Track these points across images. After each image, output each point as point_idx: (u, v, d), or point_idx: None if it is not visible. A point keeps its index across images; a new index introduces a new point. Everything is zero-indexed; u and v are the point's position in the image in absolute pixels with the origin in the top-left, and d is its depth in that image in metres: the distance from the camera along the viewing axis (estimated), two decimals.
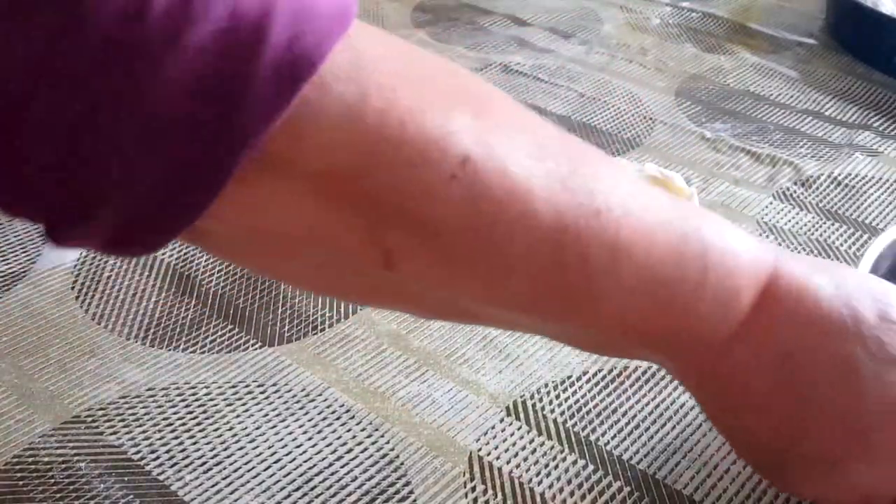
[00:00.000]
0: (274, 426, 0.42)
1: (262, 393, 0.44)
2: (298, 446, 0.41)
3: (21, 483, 0.39)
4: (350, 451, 0.41)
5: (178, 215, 0.23)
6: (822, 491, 0.31)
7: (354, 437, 0.42)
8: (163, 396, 0.44)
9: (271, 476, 0.40)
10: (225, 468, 0.40)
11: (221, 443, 0.41)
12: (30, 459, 0.40)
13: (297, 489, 0.39)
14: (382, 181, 0.24)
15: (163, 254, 0.54)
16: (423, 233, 0.25)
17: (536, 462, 0.41)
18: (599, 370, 0.46)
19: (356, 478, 0.40)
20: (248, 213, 0.25)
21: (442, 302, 0.29)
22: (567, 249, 0.26)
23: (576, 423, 0.43)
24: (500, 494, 0.39)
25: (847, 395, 0.29)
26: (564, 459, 0.41)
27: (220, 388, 0.44)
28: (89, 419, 0.42)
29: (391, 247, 0.25)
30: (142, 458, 0.40)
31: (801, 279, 0.30)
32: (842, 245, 0.56)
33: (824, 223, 0.58)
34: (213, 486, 0.39)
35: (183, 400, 0.43)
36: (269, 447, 0.41)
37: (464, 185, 0.25)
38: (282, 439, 0.42)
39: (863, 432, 0.29)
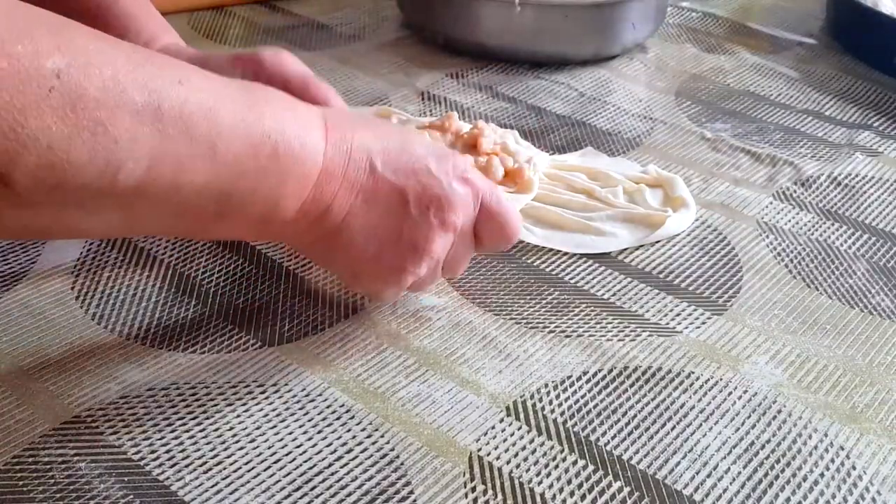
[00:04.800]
0: (274, 426, 0.42)
1: (262, 393, 0.44)
2: (298, 446, 0.41)
3: (21, 483, 0.39)
4: (350, 451, 0.41)
5: None
6: (385, 278, 0.44)
7: (354, 437, 0.42)
8: (163, 396, 0.44)
9: (271, 476, 0.40)
10: (225, 468, 0.40)
11: (221, 443, 0.41)
12: (30, 459, 0.40)
13: (297, 489, 0.39)
14: None
15: (163, 254, 0.54)
16: (35, 145, 0.29)
17: (536, 462, 0.41)
18: (599, 370, 0.46)
19: (356, 478, 0.40)
20: None
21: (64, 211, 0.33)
22: (164, 114, 0.33)
23: (576, 423, 0.43)
24: (500, 494, 0.39)
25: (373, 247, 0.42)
26: (564, 459, 0.41)
27: (220, 388, 0.44)
28: (89, 419, 0.42)
29: (5, 165, 0.29)
30: (142, 458, 0.40)
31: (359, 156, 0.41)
32: (842, 245, 0.56)
33: (824, 223, 0.58)
34: (213, 486, 0.39)
35: (183, 400, 0.43)
36: (269, 447, 0.41)
37: (62, 92, 0.30)
38: (282, 439, 0.42)
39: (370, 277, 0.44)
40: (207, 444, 0.41)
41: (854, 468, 0.41)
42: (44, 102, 0.29)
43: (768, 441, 0.42)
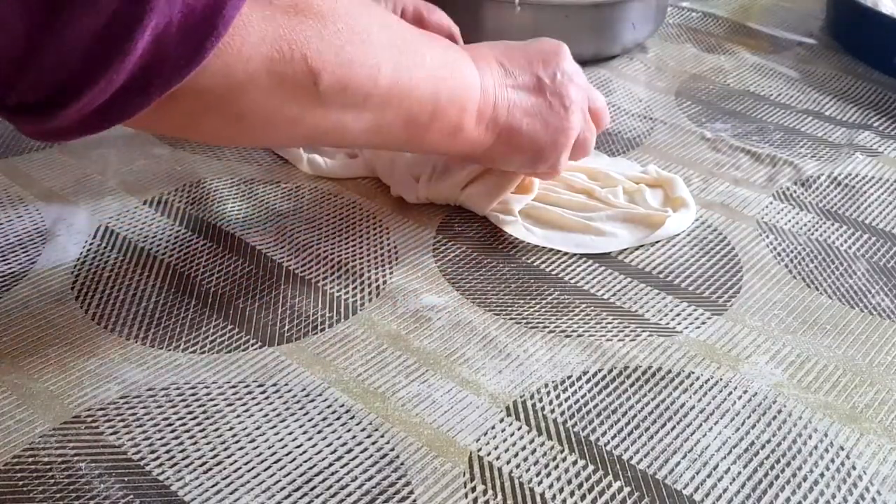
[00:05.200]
0: (274, 426, 0.42)
1: (262, 393, 0.44)
2: (298, 446, 0.41)
3: (21, 483, 0.39)
4: (350, 451, 0.41)
5: (205, 33, 0.33)
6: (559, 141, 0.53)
7: (354, 437, 0.42)
8: (163, 396, 0.44)
9: (271, 476, 0.40)
10: (225, 468, 0.40)
11: (221, 443, 0.41)
12: (30, 459, 0.40)
13: (297, 489, 0.39)
14: (304, 20, 0.38)
15: (163, 254, 0.54)
16: (332, 47, 0.39)
17: (536, 462, 0.41)
18: (599, 370, 0.46)
19: (356, 478, 0.40)
20: (230, 57, 0.35)
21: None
22: (394, 34, 0.44)
23: (576, 423, 0.43)
24: (500, 494, 0.39)
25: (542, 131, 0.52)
26: (564, 459, 0.41)
27: (220, 388, 0.44)
28: (89, 419, 0.42)
29: (319, 67, 0.39)
30: (142, 458, 0.40)
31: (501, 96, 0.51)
32: (842, 245, 0.56)
33: (824, 223, 0.58)
34: (213, 486, 0.39)
35: (183, 400, 0.43)
36: (269, 447, 0.41)
37: (342, 11, 0.40)
38: (282, 439, 0.42)
39: (550, 146, 0.53)
40: (207, 444, 0.41)
41: (854, 468, 0.41)
42: (335, 11, 0.39)
43: (768, 441, 0.42)
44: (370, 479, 0.40)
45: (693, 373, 0.46)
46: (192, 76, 0.34)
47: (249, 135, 0.44)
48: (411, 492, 0.39)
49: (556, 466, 0.41)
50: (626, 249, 0.55)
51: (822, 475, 0.40)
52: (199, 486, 0.39)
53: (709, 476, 0.40)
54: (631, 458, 0.41)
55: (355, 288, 0.51)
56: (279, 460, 0.40)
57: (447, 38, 0.62)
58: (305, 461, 0.41)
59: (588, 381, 0.45)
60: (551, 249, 0.55)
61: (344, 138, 0.46)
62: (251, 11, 0.35)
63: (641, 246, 0.55)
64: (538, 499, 0.39)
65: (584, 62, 0.79)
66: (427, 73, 0.46)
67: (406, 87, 0.44)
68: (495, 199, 0.56)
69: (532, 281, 0.52)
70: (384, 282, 0.52)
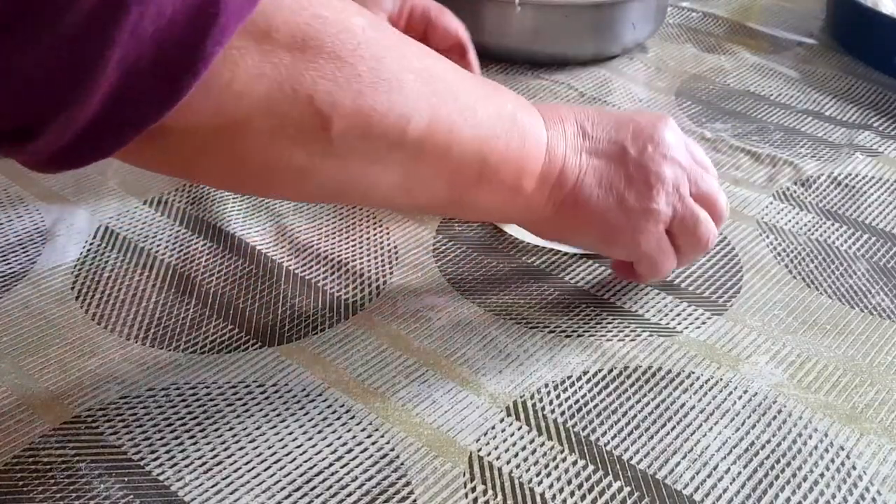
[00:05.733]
0: (274, 426, 0.42)
1: (262, 393, 0.44)
2: (298, 446, 0.41)
3: (21, 483, 0.39)
4: (350, 451, 0.41)
5: (176, 79, 0.30)
6: (633, 230, 0.46)
7: (354, 437, 0.42)
8: (163, 396, 0.44)
9: (271, 476, 0.40)
10: (225, 468, 0.40)
11: (221, 443, 0.41)
12: (30, 459, 0.40)
13: (297, 489, 0.39)
14: (316, 55, 0.34)
15: (163, 254, 0.54)
16: (349, 89, 0.35)
17: (536, 462, 0.41)
18: (599, 370, 0.46)
19: (356, 478, 0.40)
20: (219, 95, 0.32)
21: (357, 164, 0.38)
22: (435, 78, 0.39)
23: (576, 423, 0.43)
24: (500, 494, 0.39)
25: (616, 207, 0.45)
26: (564, 459, 0.41)
27: (220, 388, 0.44)
28: (89, 419, 0.42)
29: (328, 107, 0.35)
30: (142, 458, 0.40)
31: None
32: (842, 245, 0.56)
33: (824, 223, 0.58)
34: (213, 486, 0.39)
35: (183, 400, 0.43)
36: (269, 447, 0.41)
37: (367, 47, 0.35)
38: (282, 439, 0.42)
39: (623, 227, 0.46)
40: (207, 444, 0.41)
41: (854, 468, 0.41)
42: (355, 53, 0.35)
43: (768, 441, 0.42)
44: (370, 479, 0.40)
45: (693, 373, 0.46)
46: (174, 113, 0.31)
47: (255, 184, 0.39)
48: (411, 492, 0.39)
49: (556, 466, 0.41)
50: None
51: (822, 475, 0.40)
52: (199, 486, 0.39)
53: (709, 476, 0.40)
54: (631, 458, 0.41)
55: (355, 288, 0.51)
56: (279, 460, 0.41)
57: (454, 44, 0.61)
58: (305, 461, 0.41)
59: (588, 381, 0.45)
60: (551, 249, 0.55)
61: (372, 195, 0.41)
62: (246, 44, 0.32)
63: None
64: (538, 499, 0.39)
65: (584, 62, 0.79)
66: (475, 126, 0.40)
67: (444, 141, 0.39)
68: None
69: (532, 281, 0.52)
70: (384, 282, 0.52)
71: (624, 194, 0.45)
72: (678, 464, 0.41)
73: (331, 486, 0.39)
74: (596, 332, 0.48)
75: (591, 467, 0.41)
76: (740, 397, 0.44)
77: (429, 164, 0.40)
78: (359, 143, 0.37)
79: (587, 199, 0.45)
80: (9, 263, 0.52)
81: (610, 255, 0.51)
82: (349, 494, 0.39)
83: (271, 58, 0.33)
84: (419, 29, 0.61)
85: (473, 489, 0.39)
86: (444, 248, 0.55)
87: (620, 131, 0.46)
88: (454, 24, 0.61)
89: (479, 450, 0.41)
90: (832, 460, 0.41)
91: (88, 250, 0.54)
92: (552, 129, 0.45)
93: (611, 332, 0.48)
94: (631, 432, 0.42)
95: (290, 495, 0.39)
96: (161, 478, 0.39)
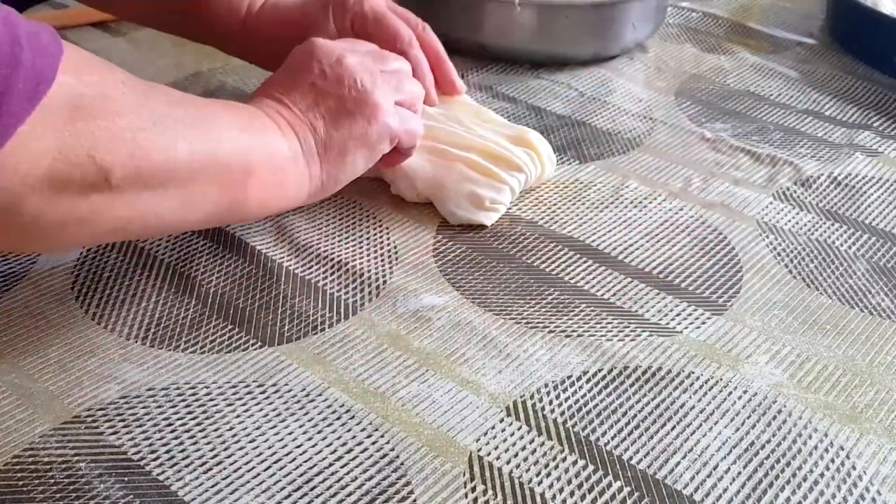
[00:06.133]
0: (274, 426, 0.42)
1: (262, 393, 0.44)
2: (298, 446, 0.41)
3: (21, 483, 0.39)
4: (350, 451, 0.41)
5: None
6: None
7: (354, 437, 0.42)
8: (163, 396, 0.44)
9: (271, 476, 0.40)
10: (225, 468, 0.40)
11: (221, 443, 0.41)
12: (30, 459, 0.40)
13: (297, 489, 0.39)
14: (93, 119, 0.37)
15: (163, 254, 0.54)
16: (123, 136, 0.39)
17: (536, 462, 0.41)
18: (599, 370, 0.46)
19: (356, 478, 0.40)
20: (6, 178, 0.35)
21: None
22: (194, 117, 0.44)
23: (576, 423, 0.43)
24: (500, 494, 0.39)
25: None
26: (564, 459, 0.41)
27: (220, 388, 0.44)
28: (89, 419, 0.42)
29: (109, 165, 0.38)
30: (142, 458, 0.40)
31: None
32: (842, 245, 0.56)
33: (824, 223, 0.58)
34: (213, 486, 0.39)
35: (183, 400, 0.43)
36: (269, 447, 0.41)
37: (133, 96, 0.40)
38: (282, 439, 0.42)
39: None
40: (207, 444, 0.41)
41: (854, 468, 0.41)
42: (122, 108, 0.39)
43: (768, 441, 0.42)
44: (370, 479, 0.40)
45: (693, 373, 0.46)
46: None
47: (40, 241, 0.42)
48: (411, 492, 0.39)
49: (556, 466, 0.41)
50: (626, 249, 0.55)
51: (822, 475, 0.40)
52: (199, 486, 0.39)
53: (709, 476, 0.40)
54: (631, 458, 0.41)
55: (355, 288, 0.51)
56: (279, 460, 0.41)
57: (402, 51, 0.61)
58: (305, 461, 0.41)
59: (588, 381, 0.45)
60: (551, 249, 0.55)
61: (154, 224, 0.43)
62: (31, 129, 0.35)
63: (641, 246, 0.55)
64: (538, 499, 0.39)
65: (585, 62, 0.79)
66: (225, 133, 0.45)
67: (209, 155, 0.43)
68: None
69: (532, 281, 0.52)
70: (384, 282, 0.52)
71: (344, 105, 0.51)
72: (678, 464, 0.41)
73: (331, 486, 0.39)
74: (596, 332, 0.48)
75: (591, 467, 0.40)
76: (740, 397, 0.44)
77: (201, 178, 0.43)
78: (138, 180, 0.40)
79: (331, 135, 0.50)
80: (9, 263, 0.52)
81: (391, 159, 0.55)
82: (349, 494, 0.39)
83: (54, 133, 0.36)
84: (364, 37, 0.60)
85: (473, 489, 0.39)
86: (444, 248, 0.55)
87: (297, 78, 0.51)
88: (392, 34, 0.61)
89: (479, 450, 0.41)
90: (832, 460, 0.41)
91: (88, 250, 0.54)
92: (267, 111, 0.49)
93: (611, 332, 0.48)
94: (631, 432, 0.42)
95: (290, 495, 0.39)
96: (161, 478, 0.39)
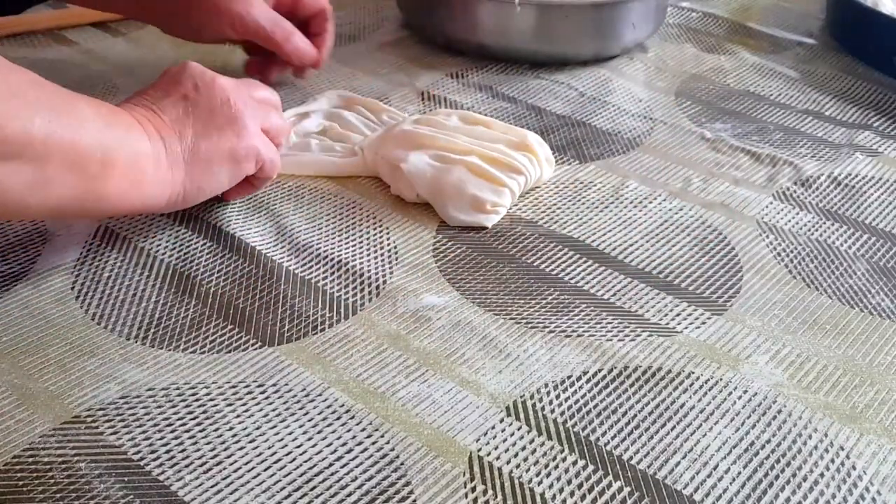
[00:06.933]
0: (274, 426, 0.42)
1: (262, 393, 0.44)
2: (298, 446, 0.41)
3: (21, 483, 0.39)
4: (350, 451, 0.41)
5: None
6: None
7: (354, 437, 0.42)
8: (163, 396, 0.44)
9: (271, 476, 0.40)
10: (225, 468, 0.40)
11: (221, 443, 0.41)
12: (30, 459, 0.40)
13: (297, 489, 0.39)
14: None
15: (163, 254, 0.54)
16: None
17: (536, 462, 0.41)
18: (599, 370, 0.46)
19: (356, 478, 0.40)
20: None
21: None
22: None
23: (576, 423, 0.43)
24: (500, 494, 0.39)
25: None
26: (564, 459, 0.41)
27: (220, 388, 0.44)
28: (89, 419, 0.42)
29: None
30: (142, 458, 0.40)
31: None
32: (842, 245, 0.56)
33: (824, 223, 0.58)
34: (213, 486, 0.39)
35: (183, 400, 0.44)
36: (269, 447, 0.41)
37: None
38: (282, 439, 0.42)
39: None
40: (207, 444, 0.41)
41: (854, 468, 0.41)
42: None
43: (768, 441, 0.42)
44: (370, 479, 0.40)
45: (693, 373, 0.46)
46: None
47: None
48: (411, 492, 0.39)
49: (556, 466, 0.41)
50: (626, 248, 0.55)
51: (822, 475, 0.40)
52: (199, 486, 0.39)
53: (709, 476, 0.40)
54: (631, 458, 0.41)
55: (355, 288, 0.51)
56: (279, 460, 0.41)
57: (318, 11, 0.70)
58: (305, 461, 0.41)
59: (588, 381, 0.45)
60: (551, 249, 0.55)
61: (10, 201, 0.43)
62: None
63: (641, 246, 0.55)
64: (538, 499, 0.39)
65: (585, 62, 0.79)
66: (87, 122, 0.45)
67: (67, 137, 0.44)
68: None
69: (532, 281, 0.52)
70: (384, 282, 0.52)
71: (202, 118, 0.51)
72: (678, 464, 0.41)
73: (331, 486, 0.39)
74: (596, 332, 0.48)
75: (591, 467, 0.41)
76: (740, 397, 0.44)
77: (55, 159, 0.43)
78: None
79: (196, 143, 0.51)
80: (9, 263, 0.52)
81: (254, 180, 0.56)
82: (349, 494, 0.39)
83: None
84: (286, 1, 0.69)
85: (473, 489, 0.39)
86: (444, 248, 0.55)
87: (169, 88, 0.52)
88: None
89: (479, 450, 0.41)
90: (832, 460, 0.41)
91: (88, 250, 0.54)
92: (136, 115, 0.49)
93: (611, 332, 0.48)
94: (631, 432, 0.42)
95: (290, 495, 0.39)
96: (161, 478, 0.39)
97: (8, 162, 0.41)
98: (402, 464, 0.40)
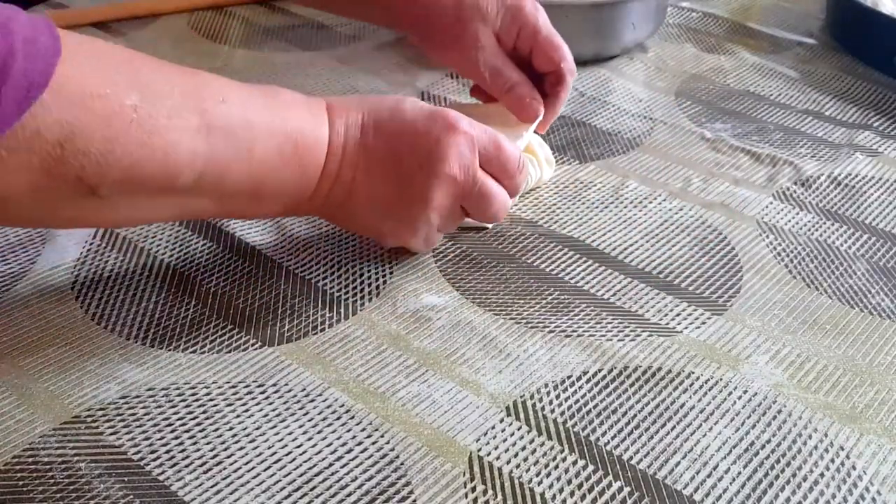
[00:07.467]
0: (274, 426, 0.42)
1: (262, 393, 0.44)
2: (298, 446, 0.41)
3: (21, 483, 0.39)
4: (350, 451, 0.41)
5: None
6: (402, 233, 0.51)
7: (354, 437, 0.42)
8: (163, 396, 0.44)
9: (271, 476, 0.40)
10: (225, 468, 0.40)
11: (221, 443, 0.41)
12: (30, 459, 0.40)
13: (297, 489, 0.39)
14: (87, 143, 0.36)
15: (163, 254, 0.54)
16: (119, 165, 0.38)
17: (536, 462, 0.41)
18: (599, 370, 0.46)
19: (356, 478, 0.40)
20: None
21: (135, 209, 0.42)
22: (214, 130, 0.41)
23: (576, 423, 0.43)
24: (500, 494, 0.39)
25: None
26: (564, 459, 0.41)
27: (220, 388, 0.44)
28: (89, 419, 0.42)
29: (95, 178, 0.37)
30: (142, 459, 0.40)
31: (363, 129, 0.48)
32: (842, 245, 0.56)
33: (824, 223, 0.58)
34: (213, 486, 0.39)
35: (183, 400, 0.43)
36: (269, 447, 0.41)
37: (140, 123, 0.38)
38: (282, 439, 0.42)
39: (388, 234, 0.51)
40: (207, 444, 0.41)
41: (854, 468, 0.41)
42: (128, 133, 0.37)
43: (768, 441, 0.42)
44: (370, 479, 0.40)
45: (693, 373, 0.46)
46: None
47: (18, 224, 0.44)
48: (411, 492, 0.39)
49: (556, 466, 0.41)
50: (626, 249, 0.55)
51: (822, 475, 0.40)
52: (199, 486, 0.39)
53: (709, 476, 0.40)
54: (631, 458, 0.41)
55: (355, 288, 0.51)
56: (279, 460, 0.41)
57: (553, 71, 0.60)
58: (305, 461, 0.41)
59: (588, 381, 0.45)
60: (551, 249, 0.55)
61: (147, 221, 0.46)
62: (12, 145, 0.34)
63: (641, 246, 0.55)
64: (538, 499, 0.39)
65: (585, 62, 0.79)
66: (250, 165, 0.43)
67: (216, 184, 0.43)
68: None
69: (532, 281, 0.52)
70: (384, 282, 0.52)
71: (390, 210, 0.49)
72: (678, 464, 0.41)
73: (331, 486, 0.39)
74: (596, 332, 0.48)
75: (591, 467, 0.41)
76: (740, 397, 0.44)
77: (202, 202, 0.44)
78: (129, 197, 0.40)
79: (355, 210, 0.49)
80: (9, 263, 0.52)
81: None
82: (349, 494, 0.39)
83: (39, 153, 0.35)
84: (525, 48, 0.60)
85: (473, 489, 0.39)
86: (444, 248, 0.55)
87: (400, 142, 0.48)
88: (558, 54, 0.60)
89: (479, 450, 0.41)
90: (832, 460, 0.41)
91: (88, 250, 0.54)
92: (333, 142, 0.47)
93: (611, 332, 0.48)
94: (631, 432, 0.42)
95: (290, 495, 0.39)
96: (161, 478, 0.39)
97: (149, 205, 0.42)
98: (402, 464, 0.40)
